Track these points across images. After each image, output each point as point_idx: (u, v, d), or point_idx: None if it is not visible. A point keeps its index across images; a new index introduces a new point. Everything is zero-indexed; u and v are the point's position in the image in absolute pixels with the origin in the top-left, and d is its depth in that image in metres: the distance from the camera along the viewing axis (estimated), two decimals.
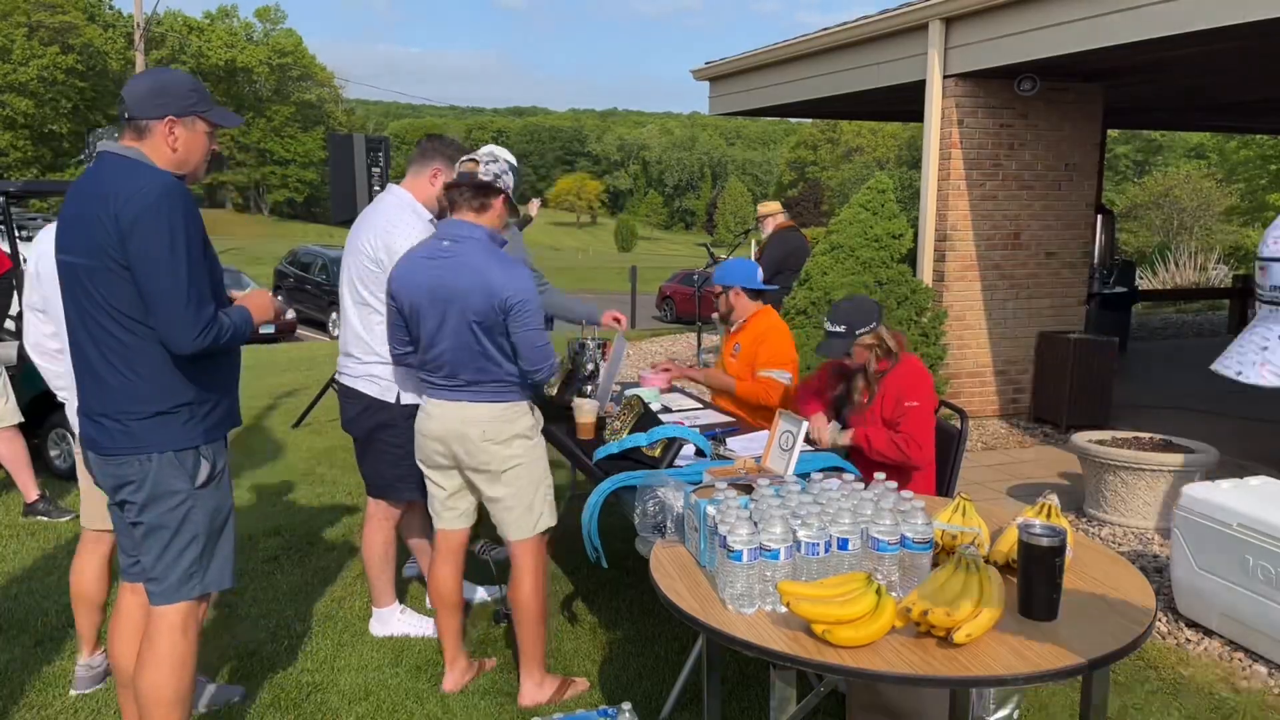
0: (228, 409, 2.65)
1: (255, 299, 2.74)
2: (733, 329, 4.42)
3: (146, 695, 2.55)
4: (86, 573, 3.30)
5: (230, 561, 2.67)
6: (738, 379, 4.28)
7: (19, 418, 5.26)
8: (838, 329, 3.55)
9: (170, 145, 2.50)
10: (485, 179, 3.06)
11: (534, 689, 3.21)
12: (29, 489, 5.22)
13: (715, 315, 4.75)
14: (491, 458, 3.08)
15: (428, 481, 3.28)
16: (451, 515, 3.27)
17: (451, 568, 3.30)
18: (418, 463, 3.27)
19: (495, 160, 3.12)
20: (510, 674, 3.43)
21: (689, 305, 19.14)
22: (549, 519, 3.21)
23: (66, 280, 2.51)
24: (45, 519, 5.14)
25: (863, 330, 3.52)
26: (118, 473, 2.51)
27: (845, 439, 3.61)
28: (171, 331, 2.40)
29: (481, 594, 4.10)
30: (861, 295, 3.86)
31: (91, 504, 3.21)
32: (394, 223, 3.44)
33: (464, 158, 3.16)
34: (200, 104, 2.54)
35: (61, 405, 3.32)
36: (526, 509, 3.15)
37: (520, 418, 3.13)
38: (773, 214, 7.90)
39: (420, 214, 3.53)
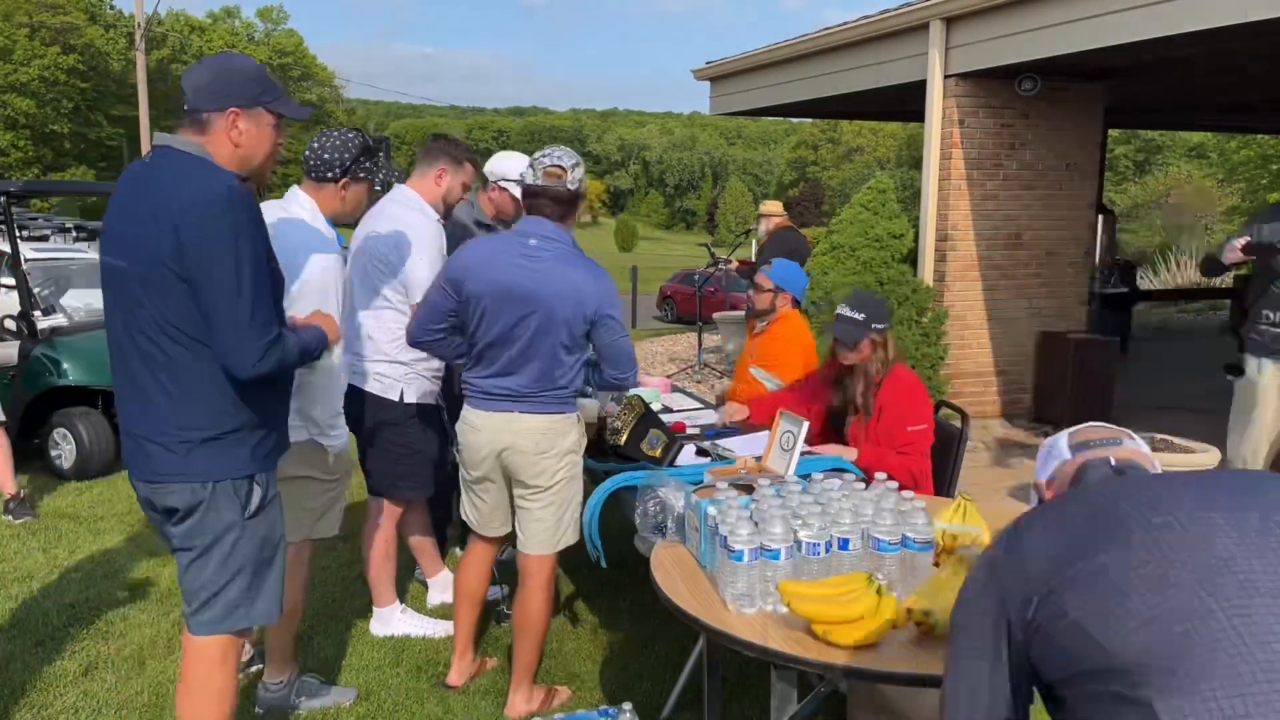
0: (282, 434, 2.48)
1: (328, 320, 2.59)
2: (759, 329, 4.41)
3: (185, 695, 2.44)
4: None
5: (277, 595, 2.47)
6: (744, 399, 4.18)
7: (1, 416, 5.25)
8: (856, 315, 3.47)
9: (233, 140, 2.30)
10: (573, 189, 2.94)
11: (523, 703, 3.15)
12: (6, 485, 5.21)
13: (722, 317, 4.70)
14: (543, 471, 2.95)
15: (473, 497, 3.14)
16: (495, 524, 3.17)
17: (485, 566, 3.27)
18: (465, 477, 3.13)
19: (579, 165, 2.99)
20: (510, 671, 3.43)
21: (690, 305, 19.12)
22: (572, 536, 3.10)
23: (113, 286, 2.29)
24: (10, 519, 5.13)
25: (878, 326, 3.48)
26: (163, 501, 2.33)
27: (850, 456, 3.46)
28: (232, 355, 2.20)
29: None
30: (880, 296, 3.83)
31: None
32: (403, 222, 3.44)
33: (548, 164, 2.94)
34: (266, 94, 2.34)
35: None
36: (556, 524, 3.03)
37: (571, 431, 3.00)
38: (771, 214, 7.91)
39: (428, 213, 3.53)
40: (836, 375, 3.63)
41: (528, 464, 2.94)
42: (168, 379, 2.24)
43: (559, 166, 2.94)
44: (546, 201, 2.94)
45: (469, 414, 3.02)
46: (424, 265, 3.39)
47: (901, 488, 3.33)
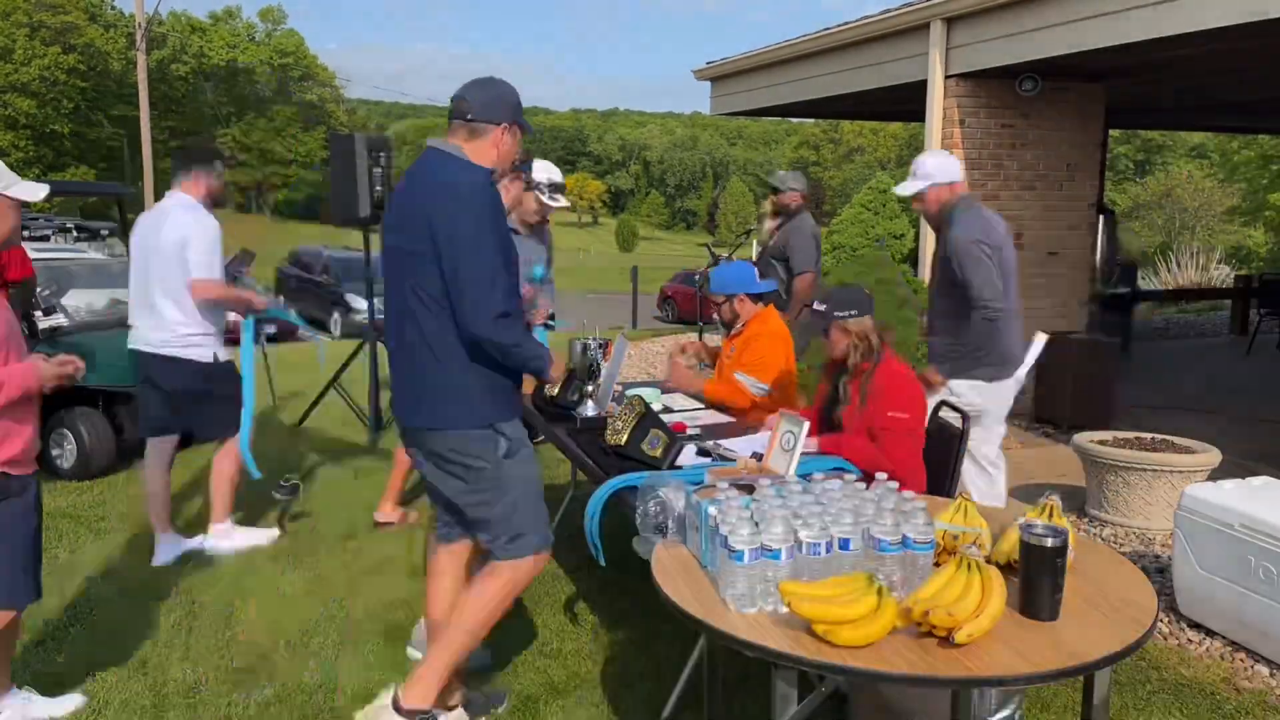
0: (509, 389, 2.85)
1: (559, 365, 3.00)
2: (732, 332, 4.38)
3: (459, 617, 2.86)
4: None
5: (546, 523, 2.93)
6: (708, 381, 4.31)
7: None
8: (818, 307, 3.52)
9: (499, 149, 2.79)
10: None
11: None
12: None
13: (716, 317, 4.63)
14: None
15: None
16: None
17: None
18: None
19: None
20: (510, 672, 3.43)
21: (690, 305, 19.13)
22: None
23: (393, 264, 2.78)
24: None
25: (840, 315, 3.43)
26: (429, 448, 2.81)
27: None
28: (471, 313, 2.61)
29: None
30: (857, 287, 3.75)
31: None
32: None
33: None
34: (520, 115, 2.84)
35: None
36: None
37: None
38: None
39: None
40: (830, 367, 3.65)
41: None
42: (434, 342, 2.70)
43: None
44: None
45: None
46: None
47: (867, 475, 3.31)
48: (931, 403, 3.76)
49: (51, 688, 3.34)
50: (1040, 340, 4.26)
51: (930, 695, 2.67)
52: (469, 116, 2.76)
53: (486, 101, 2.78)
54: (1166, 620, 3.94)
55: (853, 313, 3.44)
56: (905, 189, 4.23)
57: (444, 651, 2.88)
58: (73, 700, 3.23)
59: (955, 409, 3.72)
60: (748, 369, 4.18)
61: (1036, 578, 2.09)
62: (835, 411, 3.61)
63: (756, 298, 4.34)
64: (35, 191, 2.87)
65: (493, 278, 2.63)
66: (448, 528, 3.07)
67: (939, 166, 4.19)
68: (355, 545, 4.81)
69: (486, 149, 2.78)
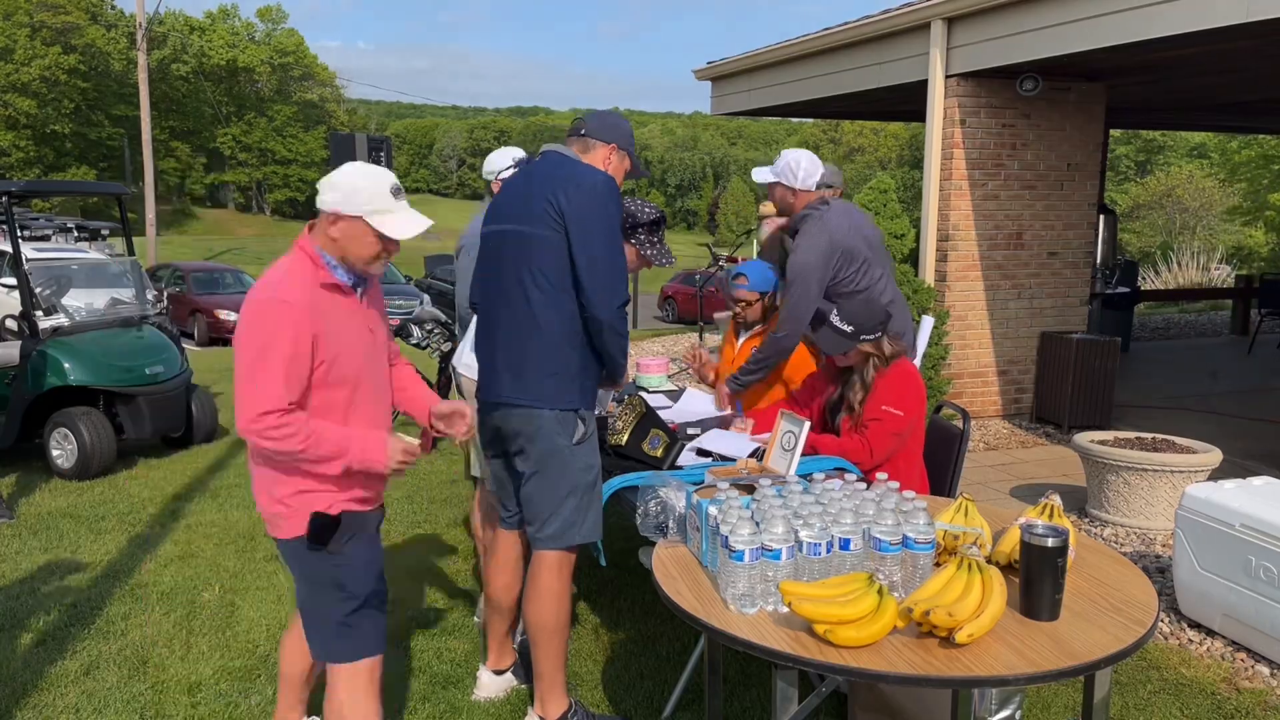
0: (595, 380, 2.97)
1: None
2: (750, 333, 4.18)
3: (533, 623, 2.90)
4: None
5: (600, 518, 2.96)
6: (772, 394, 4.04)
7: None
8: (844, 328, 3.46)
9: (605, 165, 2.98)
10: None
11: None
12: None
13: (724, 316, 4.49)
14: None
15: None
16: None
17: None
18: None
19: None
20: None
21: (691, 305, 19.13)
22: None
23: (501, 248, 2.90)
24: None
25: (867, 338, 3.46)
26: (508, 425, 2.87)
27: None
28: (603, 297, 2.77)
29: None
30: (875, 299, 3.67)
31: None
32: None
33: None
34: (631, 147, 3.05)
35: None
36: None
37: None
38: (772, 215, 7.89)
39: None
40: (837, 371, 3.61)
41: None
42: (527, 322, 2.81)
43: None
44: None
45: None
46: None
47: (870, 472, 3.32)
48: None
49: (53, 687, 3.35)
50: (928, 324, 4.31)
51: (930, 695, 2.67)
52: (583, 131, 3.00)
53: (601, 122, 3.03)
54: (1167, 620, 3.94)
55: (877, 335, 3.43)
56: (759, 175, 4.16)
57: (544, 659, 2.93)
58: None
59: (956, 409, 3.72)
60: (791, 378, 4.01)
61: (1037, 578, 2.09)
62: (838, 416, 3.59)
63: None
64: None
65: (623, 269, 2.83)
66: (511, 511, 3.11)
67: (786, 167, 4.01)
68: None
69: (596, 163, 2.97)
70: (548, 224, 2.77)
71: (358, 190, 2.37)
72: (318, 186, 2.44)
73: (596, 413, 3.80)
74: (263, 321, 2.31)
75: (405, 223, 2.42)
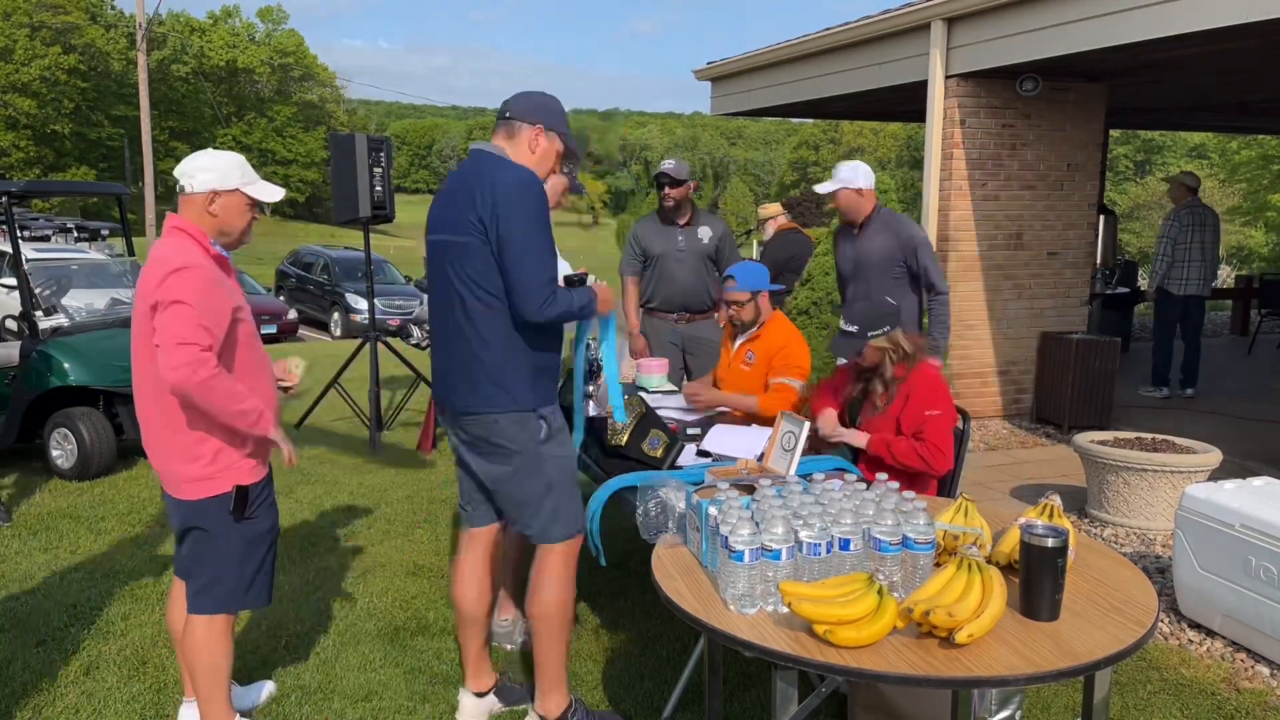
0: (553, 378, 2.95)
1: (604, 290, 3.05)
2: (746, 336, 4.20)
3: (538, 615, 2.93)
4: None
5: (581, 508, 2.99)
6: (760, 396, 4.04)
7: None
8: (850, 329, 3.51)
9: (532, 149, 2.88)
10: None
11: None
12: None
13: (723, 319, 4.47)
14: None
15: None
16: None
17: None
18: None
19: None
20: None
21: None
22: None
23: (438, 255, 2.87)
24: None
25: (874, 334, 3.49)
26: (471, 433, 2.87)
27: (861, 442, 3.52)
28: (524, 299, 2.71)
29: None
30: (880, 299, 3.75)
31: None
32: None
33: None
34: (561, 126, 2.93)
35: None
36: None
37: None
38: (773, 216, 7.90)
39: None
40: (860, 369, 3.63)
41: None
42: (470, 329, 2.79)
43: None
44: None
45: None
46: None
47: (913, 470, 3.36)
48: None
49: (53, 687, 3.34)
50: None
51: (930, 695, 2.67)
52: (507, 114, 2.90)
53: (526, 102, 2.91)
54: (1167, 620, 3.94)
55: (884, 330, 3.49)
56: (823, 188, 4.95)
57: (548, 650, 2.95)
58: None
59: (956, 409, 3.72)
60: (782, 373, 4.04)
61: (1037, 578, 2.09)
62: (859, 414, 3.61)
63: (771, 296, 4.26)
64: None
65: (549, 266, 2.76)
66: (473, 509, 3.10)
67: (853, 174, 4.88)
68: (355, 545, 4.81)
69: (521, 149, 2.87)
70: (472, 231, 2.73)
71: (230, 168, 2.78)
72: (177, 175, 2.79)
73: (597, 413, 3.82)
74: (170, 287, 2.60)
75: (269, 189, 2.85)
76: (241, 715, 3.05)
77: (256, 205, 2.86)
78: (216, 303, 2.66)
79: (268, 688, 3.33)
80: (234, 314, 2.73)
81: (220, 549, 2.81)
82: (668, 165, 5.23)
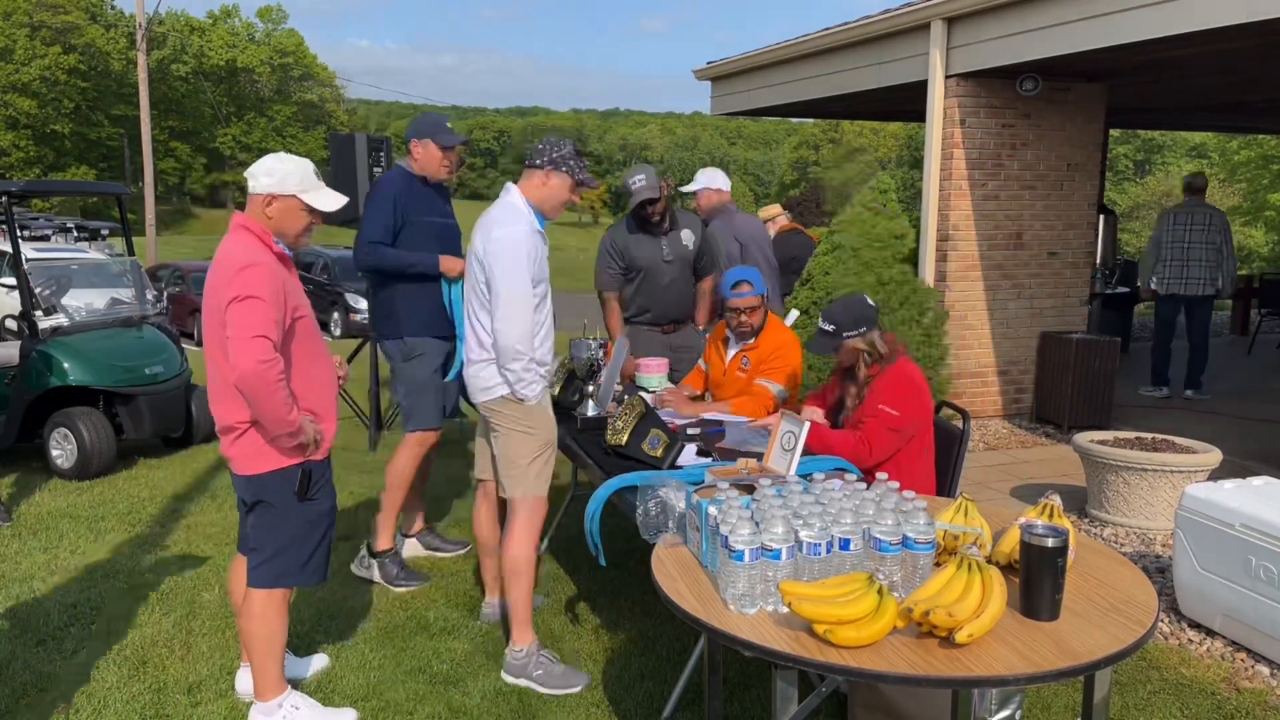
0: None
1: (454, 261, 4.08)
2: (747, 342, 4.14)
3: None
4: (483, 518, 3.78)
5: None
6: (735, 403, 4.00)
7: None
8: (826, 328, 3.53)
9: (542, 188, 3.36)
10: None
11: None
12: None
13: (733, 326, 4.26)
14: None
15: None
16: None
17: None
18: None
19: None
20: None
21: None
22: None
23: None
24: None
25: (850, 335, 3.47)
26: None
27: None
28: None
29: None
30: (861, 296, 3.64)
31: (482, 456, 3.69)
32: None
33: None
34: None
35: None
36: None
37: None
38: (774, 217, 7.90)
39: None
40: (844, 372, 3.65)
41: None
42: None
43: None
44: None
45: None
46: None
47: (844, 456, 3.32)
48: None
49: (54, 687, 3.34)
50: (792, 316, 5.18)
51: (930, 695, 2.67)
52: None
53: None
54: (1167, 620, 3.94)
55: (861, 330, 3.47)
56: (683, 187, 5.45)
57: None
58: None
59: (956, 409, 3.72)
60: (769, 376, 4.04)
61: (1037, 578, 2.09)
62: (842, 416, 3.63)
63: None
64: None
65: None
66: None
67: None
68: (354, 544, 4.80)
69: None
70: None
71: (290, 174, 2.89)
72: (246, 174, 2.92)
73: (596, 413, 3.82)
74: (243, 282, 2.73)
75: (330, 197, 2.94)
76: (292, 683, 3.17)
77: (315, 212, 2.96)
78: (281, 299, 2.81)
79: (321, 661, 3.49)
80: (294, 311, 2.88)
81: (283, 525, 2.97)
82: (638, 184, 4.70)
